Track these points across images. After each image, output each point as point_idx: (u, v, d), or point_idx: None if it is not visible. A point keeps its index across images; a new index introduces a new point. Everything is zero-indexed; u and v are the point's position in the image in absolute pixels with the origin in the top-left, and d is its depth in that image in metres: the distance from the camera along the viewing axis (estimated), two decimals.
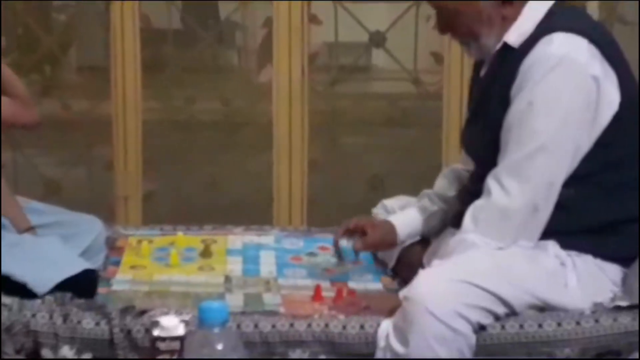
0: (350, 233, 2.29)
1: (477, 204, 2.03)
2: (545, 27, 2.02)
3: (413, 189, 2.51)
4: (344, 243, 2.29)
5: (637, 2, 3.47)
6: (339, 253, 2.29)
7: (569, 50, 1.98)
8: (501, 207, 2.00)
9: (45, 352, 1.99)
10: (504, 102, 2.03)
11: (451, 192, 2.33)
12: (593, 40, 2.01)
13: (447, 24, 2.09)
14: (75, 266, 2.10)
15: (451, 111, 3.30)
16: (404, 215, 2.32)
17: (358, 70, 3.89)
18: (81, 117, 3.61)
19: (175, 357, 1.58)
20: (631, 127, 2.07)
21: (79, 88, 3.93)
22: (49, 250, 2.14)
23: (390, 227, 2.29)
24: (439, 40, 3.39)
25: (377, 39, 3.50)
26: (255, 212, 3.33)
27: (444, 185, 2.36)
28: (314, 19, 3.38)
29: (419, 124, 3.63)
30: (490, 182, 2.02)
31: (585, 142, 2.01)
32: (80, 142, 3.62)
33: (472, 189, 2.17)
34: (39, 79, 3.89)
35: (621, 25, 3.64)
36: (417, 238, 2.33)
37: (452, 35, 2.13)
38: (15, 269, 2.05)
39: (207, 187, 3.63)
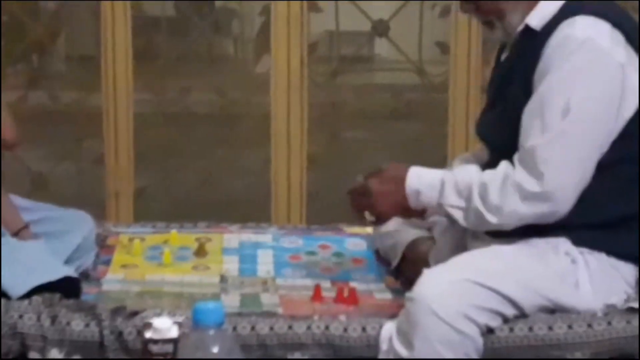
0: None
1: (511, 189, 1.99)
2: (568, 10, 2.02)
3: None
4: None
5: (638, 2, 3.47)
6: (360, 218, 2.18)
7: (591, 34, 1.98)
8: (527, 193, 1.97)
9: (33, 355, 1.99)
10: (526, 86, 2.03)
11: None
12: (617, 24, 2.01)
13: (470, 1, 2.10)
14: (54, 272, 2.10)
15: (457, 103, 3.30)
16: (426, 172, 2.16)
17: (360, 61, 3.89)
18: (70, 108, 3.62)
19: None
20: None
21: (67, 78, 3.92)
22: (29, 254, 2.14)
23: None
24: (445, 30, 3.39)
25: (380, 28, 3.50)
26: (252, 209, 3.33)
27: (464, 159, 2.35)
28: (313, 7, 3.39)
29: (423, 116, 3.63)
30: (515, 160, 1.99)
31: (611, 128, 2.01)
32: (69, 135, 3.63)
33: None
34: (26, 68, 3.89)
35: None
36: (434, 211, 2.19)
37: (476, 12, 2.12)
38: None
39: (201, 183, 3.64)
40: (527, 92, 2.03)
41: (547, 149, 1.97)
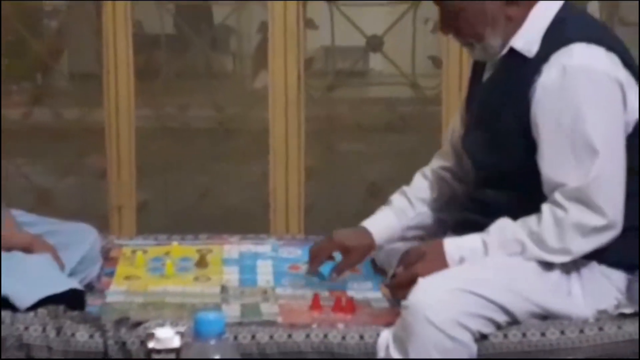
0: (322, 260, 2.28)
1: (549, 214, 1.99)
2: (558, 36, 2.01)
3: None
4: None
5: (638, 3, 3.48)
6: (320, 276, 2.29)
7: (589, 61, 1.98)
8: (578, 223, 1.97)
9: None
10: (519, 113, 2.02)
11: (433, 195, 2.31)
12: (610, 48, 2.02)
13: (450, 23, 2.08)
14: (60, 285, 2.09)
15: (450, 116, 3.29)
16: (381, 219, 2.29)
17: (355, 75, 3.89)
18: (73, 125, 3.62)
19: None
20: None
21: (70, 95, 3.93)
22: (36, 267, 2.13)
23: (364, 237, 2.26)
24: (437, 44, 3.40)
25: (375, 43, 3.50)
26: (251, 221, 3.33)
27: (425, 186, 2.33)
28: (309, 23, 3.39)
29: (417, 129, 3.63)
30: (562, 200, 1.98)
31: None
32: (72, 150, 3.63)
33: (474, 195, 2.17)
34: (30, 86, 3.90)
35: (622, 26, 3.65)
36: (396, 243, 2.30)
37: (456, 36, 2.11)
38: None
39: (202, 196, 3.64)
40: (521, 117, 2.02)
41: (596, 185, 1.96)
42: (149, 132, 3.46)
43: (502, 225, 2.03)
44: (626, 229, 2.04)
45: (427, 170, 2.37)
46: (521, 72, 2.03)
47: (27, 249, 2.23)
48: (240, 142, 3.66)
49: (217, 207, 3.58)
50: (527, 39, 2.04)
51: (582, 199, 1.97)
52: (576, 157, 1.97)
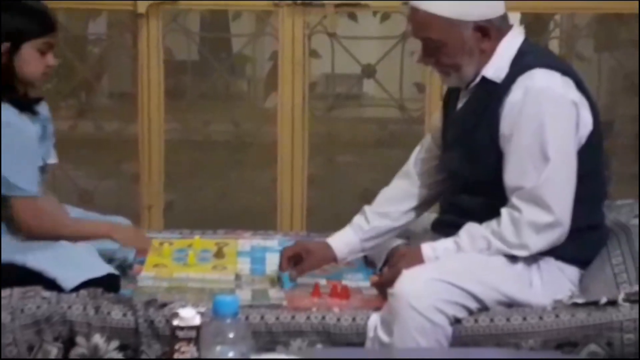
0: (289, 260, 2.23)
1: (507, 216, 2.00)
2: (522, 64, 2.02)
3: None
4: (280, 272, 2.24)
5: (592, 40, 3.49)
6: (279, 280, 2.23)
7: (548, 83, 1.99)
8: (532, 222, 1.97)
9: (80, 340, 1.99)
10: (492, 135, 2.02)
11: (401, 207, 2.25)
12: (565, 73, 2.03)
13: (431, 54, 2.06)
14: (100, 270, 2.09)
15: None
16: (340, 236, 2.26)
17: (351, 98, 3.89)
18: (112, 136, 3.61)
19: (192, 344, 1.58)
20: (597, 147, 2.08)
21: (110, 111, 3.93)
22: (80, 254, 2.13)
23: (326, 249, 2.23)
24: (421, 72, 3.40)
25: (368, 71, 3.50)
26: (261, 219, 3.32)
27: (382, 202, 2.28)
28: (313, 53, 3.39)
29: (404, 144, 3.61)
30: (517, 202, 1.98)
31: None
32: (111, 158, 3.62)
33: (451, 200, 2.17)
34: (76, 103, 3.89)
35: (578, 60, 3.65)
36: (360, 254, 2.29)
37: (435, 65, 2.09)
38: (47, 267, 2.05)
39: (220, 198, 3.63)
40: (492, 134, 2.03)
41: (546, 186, 1.97)
42: (176, 143, 3.45)
43: (470, 228, 2.03)
44: (578, 230, 2.04)
45: (387, 188, 2.32)
46: (492, 94, 2.03)
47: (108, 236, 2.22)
48: (253, 153, 3.65)
49: (233, 207, 3.58)
50: (496, 68, 2.04)
51: (534, 199, 1.97)
52: (532, 163, 1.98)
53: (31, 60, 2.08)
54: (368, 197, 3.46)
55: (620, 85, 3.68)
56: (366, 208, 2.27)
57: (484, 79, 2.05)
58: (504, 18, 2.06)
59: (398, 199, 2.27)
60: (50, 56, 2.12)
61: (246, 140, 3.67)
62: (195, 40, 3.77)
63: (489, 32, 2.02)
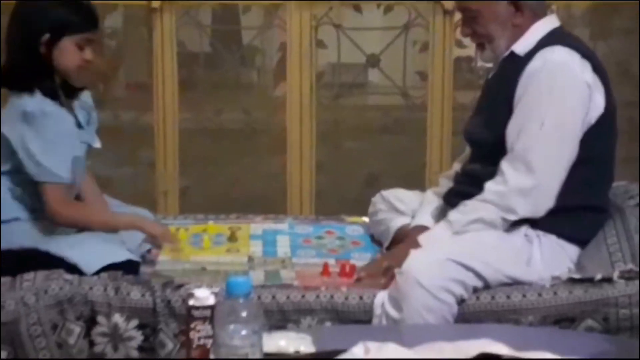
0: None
1: (492, 183, 2.02)
2: (547, 42, 2.05)
3: (402, 185, 2.52)
4: None
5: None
6: None
7: (566, 59, 2.01)
8: (515, 186, 1.99)
9: (100, 319, 2.00)
10: (509, 101, 2.04)
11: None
12: (585, 56, 2.04)
13: (468, 24, 2.11)
14: (119, 256, 2.09)
15: (434, 121, 3.30)
16: (427, 208, 2.25)
17: (357, 87, 3.86)
18: (129, 125, 3.60)
19: (207, 322, 1.59)
20: (607, 131, 2.09)
21: (126, 101, 3.90)
22: (101, 240, 2.13)
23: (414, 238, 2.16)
24: (424, 62, 3.39)
25: (373, 60, 3.49)
26: (272, 204, 3.32)
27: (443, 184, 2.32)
28: (320, 44, 3.38)
29: (407, 131, 3.61)
30: (505, 166, 2.01)
31: (579, 134, 2.02)
32: (128, 146, 3.61)
33: (467, 169, 2.17)
34: (94, 94, 3.86)
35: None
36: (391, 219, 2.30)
37: (472, 36, 2.14)
38: (69, 253, 2.06)
39: (232, 184, 3.63)
40: (510, 105, 2.04)
41: (535, 150, 1.98)
42: (190, 131, 3.44)
43: (461, 205, 2.05)
44: (582, 209, 2.05)
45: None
46: (515, 65, 2.06)
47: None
48: (263, 140, 3.64)
49: (245, 193, 3.57)
50: (525, 44, 2.07)
51: (521, 162, 1.99)
52: (529, 127, 1.99)
53: (69, 54, 2.06)
54: (373, 181, 3.49)
55: (614, 71, 3.65)
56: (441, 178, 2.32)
57: (512, 53, 2.09)
58: (541, 4, 2.11)
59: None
60: (88, 51, 2.09)
61: (256, 128, 3.65)
62: (207, 33, 3.75)
63: (522, 7, 2.06)
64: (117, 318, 1.99)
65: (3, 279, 2.01)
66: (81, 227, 2.14)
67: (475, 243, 1.99)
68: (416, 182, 3.13)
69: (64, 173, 2.08)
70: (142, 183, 3.54)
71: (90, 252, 2.07)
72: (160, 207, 3.27)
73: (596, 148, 2.04)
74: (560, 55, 2.01)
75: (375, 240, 2.42)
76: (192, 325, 1.56)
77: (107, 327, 1.99)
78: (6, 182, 2.10)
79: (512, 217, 2.01)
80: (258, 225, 2.59)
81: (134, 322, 2.00)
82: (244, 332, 1.46)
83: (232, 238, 2.45)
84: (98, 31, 2.14)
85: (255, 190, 3.61)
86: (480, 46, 2.14)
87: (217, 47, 3.73)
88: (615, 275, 1.98)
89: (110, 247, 2.12)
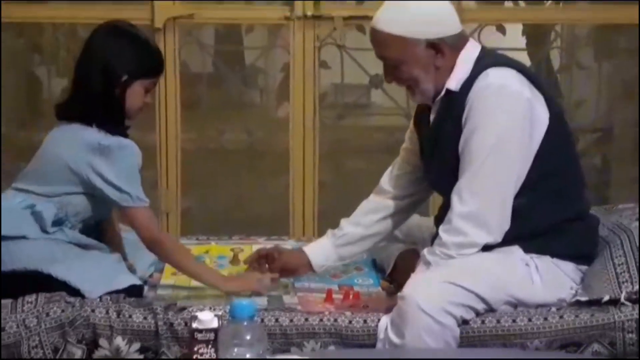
0: (260, 258, 2.26)
1: (445, 220, 2.03)
2: (479, 68, 2.03)
3: None
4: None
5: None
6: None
7: (502, 80, 2.00)
8: (460, 213, 1.98)
9: (102, 342, 2.00)
10: (458, 136, 2.02)
11: (374, 217, 2.28)
12: (519, 70, 2.04)
13: (391, 72, 2.09)
14: (122, 281, 2.11)
15: None
16: (316, 242, 2.30)
17: (360, 107, 3.88)
18: None
19: (210, 345, 1.59)
20: (562, 138, 2.08)
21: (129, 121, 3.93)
22: (105, 264, 2.15)
23: (299, 254, 2.26)
24: None
25: (376, 81, 3.51)
26: (274, 225, 3.32)
27: (365, 208, 2.31)
28: (323, 64, 3.39)
29: None
30: (453, 197, 2.01)
31: (527, 153, 2.02)
32: None
33: (442, 215, 2.15)
34: None
35: (579, 69, 3.65)
36: (338, 262, 2.30)
37: (397, 82, 2.11)
38: (72, 277, 2.07)
39: (234, 204, 3.64)
40: (459, 139, 2.03)
41: (476, 173, 1.98)
42: (192, 151, 3.45)
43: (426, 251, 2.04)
44: (563, 223, 2.05)
45: (362, 203, 2.35)
46: (454, 103, 2.04)
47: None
48: (266, 161, 3.65)
49: (247, 213, 3.58)
50: (457, 79, 2.05)
51: (465, 188, 1.98)
52: (474, 153, 1.98)
53: (137, 96, 2.16)
54: None
55: (619, 92, 3.67)
56: (342, 219, 2.31)
57: (448, 91, 2.06)
58: (458, 36, 2.07)
59: (371, 210, 2.29)
60: (149, 94, 2.21)
61: (259, 149, 3.67)
62: (210, 53, 3.77)
63: (442, 49, 2.03)
64: (119, 341, 1.98)
65: (4, 301, 2.02)
66: (170, 259, 2.19)
67: (475, 265, 1.99)
68: None
69: (145, 197, 2.16)
70: None
71: (93, 277, 2.08)
72: (162, 228, 3.27)
73: (557, 159, 2.04)
74: (496, 78, 2.00)
75: (377, 265, 2.42)
76: (196, 349, 1.56)
77: (109, 350, 1.99)
78: (29, 200, 2.13)
79: (466, 240, 1.98)
80: (260, 247, 2.57)
81: (136, 346, 1.99)
82: (248, 356, 1.47)
83: (234, 261, 2.45)
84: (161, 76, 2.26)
85: (258, 211, 3.62)
86: (410, 89, 2.10)
87: (220, 67, 3.75)
88: (623, 296, 1.97)
89: (113, 272, 2.13)
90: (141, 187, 2.17)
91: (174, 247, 2.20)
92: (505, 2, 3.72)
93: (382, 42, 2.05)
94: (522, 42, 3.82)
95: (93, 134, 2.12)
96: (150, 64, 2.18)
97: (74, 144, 2.13)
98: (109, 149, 2.11)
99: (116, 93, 2.13)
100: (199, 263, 2.29)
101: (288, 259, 2.26)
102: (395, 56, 2.04)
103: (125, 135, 2.18)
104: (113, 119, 2.14)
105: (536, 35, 3.78)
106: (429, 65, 2.04)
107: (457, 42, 2.06)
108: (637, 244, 2.12)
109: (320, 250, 2.27)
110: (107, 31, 2.18)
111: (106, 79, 2.12)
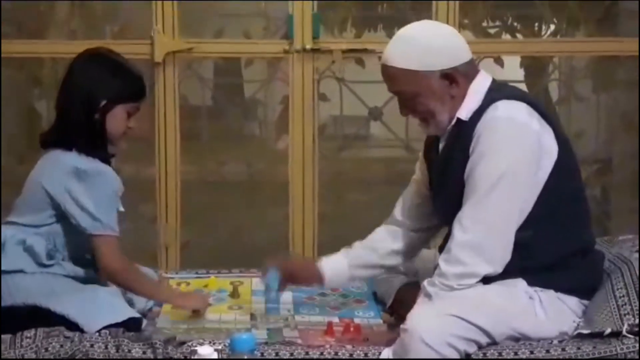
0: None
1: (445, 249, 2.02)
2: (489, 99, 2.04)
3: None
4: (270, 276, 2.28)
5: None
6: (267, 287, 2.29)
7: (511, 113, 2.01)
8: (460, 242, 1.98)
9: None
10: (464, 165, 2.03)
11: (390, 246, 2.29)
12: (529, 102, 2.05)
13: (407, 105, 2.09)
14: (121, 314, 2.10)
15: None
16: (330, 257, 2.32)
17: (359, 139, 3.89)
18: (130, 178, 3.60)
19: None
20: (569, 173, 2.08)
21: (128, 154, 3.93)
22: (103, 298, 2.13)
23: (312, 264, 2.30)
24: None
25: (375, 113, 3.53)
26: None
27: (381, 235, 2.33)
28: (322, 97, 3.41)
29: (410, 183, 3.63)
30: (454, 225, 2.01)
31: (534, 185, 2.02)
32: (129, 199, 3.61)
33: (445, 244, 2.14)
34: None
35: (577, 101, 3.67)
36: (347, 282, 2.33)
37: (413, 115, 2.11)
38: (71, 311, 2.06)
39: (234, 236, 3.63)
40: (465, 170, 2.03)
41: (480, 202, 1.97)
42: (192, 184, 3.46)
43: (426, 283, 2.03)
44: (569, 257, 2.05)
45: (377, 229, 2.37)
46: (464, 133, 2.04)
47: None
48: (265, 192, 3.65)
49: (247, 245, 3.57)
50: (468, 109, 2.06)
51: (468, 217, 1.97)
52: (473, 190, 1.98)
53: (118, 121, 2.17)
54: None
55: (618, 123, 3.69)
56: (356, 242, 2.32)
57: (458, 120, 2.07)
58: (470, 63, 2.09)
59: (386, 238, 2.30)
60: (133, 119, 2.21)
61: (259, 180, 3.67)
62: (209, 86, 3.79)
63: (456, 78, 2.04)
64: None
65: (3, 336, 2.01)
66: (126, 286, 2.19)
67: (479, 298, 1.99)
68: None
69: (117, 227, 2.15)
70: (144, 237, 3.53)
71: (91, 311, 2.07)
72: (162, 261, 3.26)
73: (565, 192, 2.04)
74: (505, 110, 2.00)
75: (378, 298, 2.41)
76: None
77: None
78: (19, 234, 2.12)
79: (466, 271, 1.98)
80: (260, 280, 2.57)
81: None
82: None
83: (234, 294, 2.44)
84: (144, 100, 2.25)
85: (258, 243, 3.61)
86: (424, 121, 2.10)
87: (219, 100, 3.77)
88: (625, 329, 1.97)
89: (111, 306, 2.12)
90: (115, 216, 2.17)
91: (131, 277, 2.19)
92: (503, 35, 3.76)
93: (395, 77, 2.06)
94: (520, 74, 3.85)
95: (72, 158, 2.13)
96: (129, 88, 2.18)
97: (53, 169, 2.14)
98: (86, 174, 2.11)
99: (96, 117, 2.14)
100: (153, 284, 2.31)
101: (301, 266, 2.29)
102: (411, 90, 2.05)
103: (107, 162, 2.18)
104: (93, 144, 2.14)
105: (534, 67, 3.81)
106: (445, 95, 2.05)
107: (469, 70, 2.08)
108: (638, 275, 2.12)
109: (335, 267, 2.27)
110: (87, 58, 2.21)
111: (85, 104, 2.13)
